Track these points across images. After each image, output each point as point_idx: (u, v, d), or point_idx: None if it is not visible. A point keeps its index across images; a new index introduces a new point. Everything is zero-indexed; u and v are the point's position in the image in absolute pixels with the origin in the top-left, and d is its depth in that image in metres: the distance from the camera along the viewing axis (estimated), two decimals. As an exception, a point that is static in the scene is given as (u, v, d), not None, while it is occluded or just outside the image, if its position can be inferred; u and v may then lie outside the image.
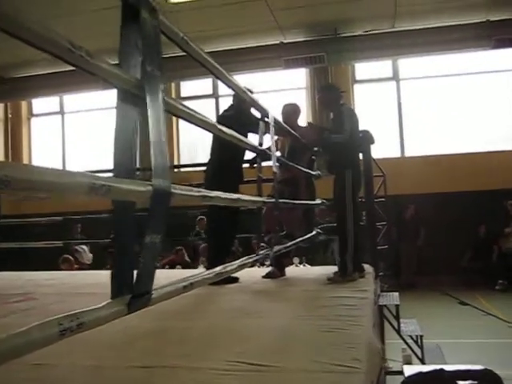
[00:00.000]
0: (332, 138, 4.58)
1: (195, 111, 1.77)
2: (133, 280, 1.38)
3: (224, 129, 2.18)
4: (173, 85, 12.89)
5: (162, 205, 1.40)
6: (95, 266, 8.89)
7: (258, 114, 3.53)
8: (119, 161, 1.44)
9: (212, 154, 4.64)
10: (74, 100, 13.78)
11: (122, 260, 1.41)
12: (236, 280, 4.38)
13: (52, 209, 8.49)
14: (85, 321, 1.14)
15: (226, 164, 4.33)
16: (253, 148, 2.98)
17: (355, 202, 4.54)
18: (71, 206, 9.05)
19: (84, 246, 9.50)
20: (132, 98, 1.41)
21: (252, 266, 5.84)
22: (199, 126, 1.86)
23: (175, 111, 1.62)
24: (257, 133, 3.41)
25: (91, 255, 9.68)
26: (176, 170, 11.91)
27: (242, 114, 4.27)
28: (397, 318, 5.82)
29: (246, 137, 3.52)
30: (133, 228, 1.40)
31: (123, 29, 1.38)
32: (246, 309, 3.26)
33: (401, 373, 4.47)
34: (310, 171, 4.97)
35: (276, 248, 3.36)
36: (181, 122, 12.80)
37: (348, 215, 4.43)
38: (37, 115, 14.32)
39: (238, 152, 4.30)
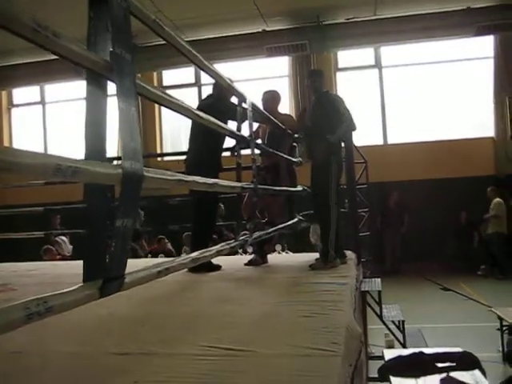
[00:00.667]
0: (339, 132, 4.54)
1: (168, 94, 1.75)
2: (105, 264, 1.37)
3: (201, 114, 2.16)
4: (155, 74, 12.80)
5: (134, 188, 1.38)
6: (77, 257, 8.83)
7: (236, 102, 3.51)
8: (90, 145, 1.42)
9: (191, 142, 4.62)
10: (55, 90, 13.61)
11: (94, 244, 1.39)
12: (218, 268, 4.38)
13: (38, 199, 8.46)
14: (54, 304, 1.12)
15: (205, 153, 4.31)
16: (232, 134, 2.97)
17: (338, 189, 4.55)
18: (55, 196, 8.99)
19: (64, 238, 9.40)
20: (101, 81, 1.38)
21: (234, 254, 5.86)
22: (174, 110, 1.84)
23: (147, 94, 1.60)
24: (236, 120, 3.39)
25: (71, 247, 9.59)
26: (159, 159, 11.87)
27: (220, 102, 4.24)
28: (379, 303, 5.87)
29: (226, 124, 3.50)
30: (104, 212, 1.39)
31: (91, 10, 1.35)
32: (227, 295, 3.26)
33: (382, 357, 4.52)
34: (291, 158, 4.97)
35: (255, 235, 3.36)
36: (163, 110, 12.74)
37: (332, 203, 4.43)
38: (17, 105, 14.13)
39: (217, 140, 4.29)
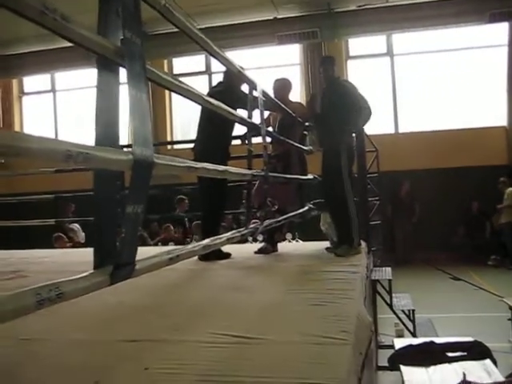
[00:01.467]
0: (359, 119, 4.55)
1: (178, 80, 1.74)
2: (116, 251, 1.37)
3: (211, 100, 2.15)
4: (165, 62, 12.77)
5: (144, 174, 1.37)
6: (90, 244, 8.84)
7: (247, 90, 3.49)
8: (101, 131, 1.41)
9: (199, 131, 4.60)
10: (66, 78, 13.63)
11: (105, 231, 1.39)
12: (228, 256, 4.39)
13: (48, 187, 8.50)
14: (65, 290, 1.12)
15: (213, 141, 4.29)
16: (242, 121, 2.95)
17: (350, 176, 4.53)
18: (65, 184, 9.02)
19: (77, 225, 9.45)
20: (112, 66, 1.37)
21: (244, 242, 5.85)
22: (184, 96, 1.83)
23: (157, 79, 1.58)
24: (246, 109, 3.37)
25: (83, 234, 9.64)
26: (169, 147, 11.87)
27: (231, 90, 4.22)
28: (389, 292, 5.85)
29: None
30: (114, 199, 1.38)
31: (102, -5, 1.34)
32: (237, 283, 3.26)
33: (392, 346, 4.52)
34: (301, 146, 4.94)
35: (266, 223, 3.35)
36: (174, 98, 12.72)
37: (347, 193, 4.42)
38: (28, 93, 14.17)
39: (225, 128, 4.27)
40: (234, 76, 3.29)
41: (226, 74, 4.57)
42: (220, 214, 4.72)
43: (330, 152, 4.51)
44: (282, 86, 5.04)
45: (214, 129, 4.18)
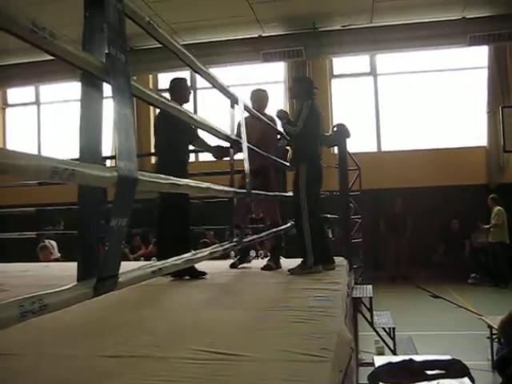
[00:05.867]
0: (285, 127, 4.63)
1: (163, 96, 1.76)
2: (99, 263, 1.38)
3: (195, 116, 2.17)
4: (150, 77, 12.79)
5: (128, 190, 1.39)
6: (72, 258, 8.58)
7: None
8: (85, 146, 1.42)
9: (157, 153, 4.54)
10: (50, 91, 13.58)
11: (88, 244, 1.40)
12: (203, 274, 4.21)
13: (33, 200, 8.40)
14: (48, 303, 1.13)
15: (165, 149, 4.23)
16: (225, 137, 2.97)
17: (311, 196, 4.51)
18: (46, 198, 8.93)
19: (53, 242, 9.11)
20: (97, 82, 1.39)
21: (226, 258, 5.83)
22: (168, 112, 1.85)
23: (142, 95, 1.60)
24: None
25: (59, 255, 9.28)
26: (154, 161, 11.83)
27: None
28: (370, 310, 5.88)
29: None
30: (98, 212, 1.39)
31: (87, 11, 1.37)
32: (216, 300, 3.26)
33: (373, 364, 4.53)
34: (280, 161, 4.90)
35: (245, 239, 3.36)
36: (158, 109, 12.70)
37: (302, 210, 4.44)
38: (12, 105, 14.07)
39: (176, 136, 4.16)
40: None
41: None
42: (187, 228, 4.46)
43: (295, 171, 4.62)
44: (260, 97, 4.99)
45: (164, 137, 4.19)
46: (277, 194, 4.63)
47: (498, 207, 10.30)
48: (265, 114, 4.81)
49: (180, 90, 4.36)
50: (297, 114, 4.64)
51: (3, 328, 0.99)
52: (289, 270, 4.35)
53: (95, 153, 1.41)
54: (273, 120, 4.81)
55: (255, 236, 3.78)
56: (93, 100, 1.41)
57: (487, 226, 10.35)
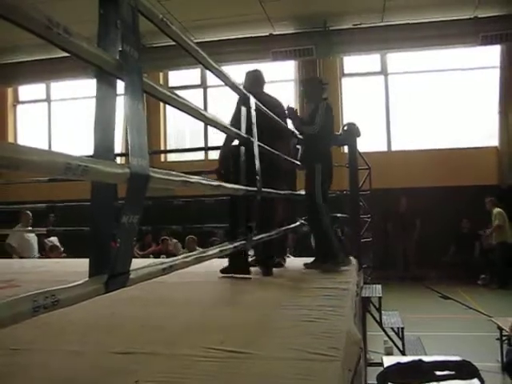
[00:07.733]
0: (302, 128, 4.62)
1: (174, 93, 1.76)
2: (111, 259, 1.38)
3: (207, 114, 2.17)
4: (161, 74, 12.82)
5: (140, 187, 1.39)
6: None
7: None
8: (98, 142, 1.43)
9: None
10: (61, 88, 13.64)
11: (100, 240, 1.40)
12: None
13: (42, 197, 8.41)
14: (61, 298, 1.13)
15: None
16: (237, 136, 2.96)
17: (325, 195, 4.54)
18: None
19: (55, 239, 9.11)
20: (110, 79, 1.39)
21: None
22: (179, 109, 1.85)
23: (154, 92, 1.61)
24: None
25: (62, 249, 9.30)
26: (163, 159, 11.89)
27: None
28: (379, 310, 5.86)
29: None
30: (110, 209, 1.40)
31: (101, 8, 1.37)
32: (228, 298, 3.26)
33: (381, 364, 4.52)
34: (290, 159, 4.78)
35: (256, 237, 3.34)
36: (168, 107, 12.75)
37: (320, 209, 4.44)
38: (23, 102, 14.16)
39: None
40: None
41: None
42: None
43: (308, 170, 4.63)
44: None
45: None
46: (288, 192, 4.59)
47: (497, 209, 10.31)
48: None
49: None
50: (312, 114, 4.63)
51: (17, 322, 0.99)
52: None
53: (108, 150, 1.42)
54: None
55: (264, 235, 3.74)
56: (107, 97, 1.41)
57: (489, 231, 10.36)
